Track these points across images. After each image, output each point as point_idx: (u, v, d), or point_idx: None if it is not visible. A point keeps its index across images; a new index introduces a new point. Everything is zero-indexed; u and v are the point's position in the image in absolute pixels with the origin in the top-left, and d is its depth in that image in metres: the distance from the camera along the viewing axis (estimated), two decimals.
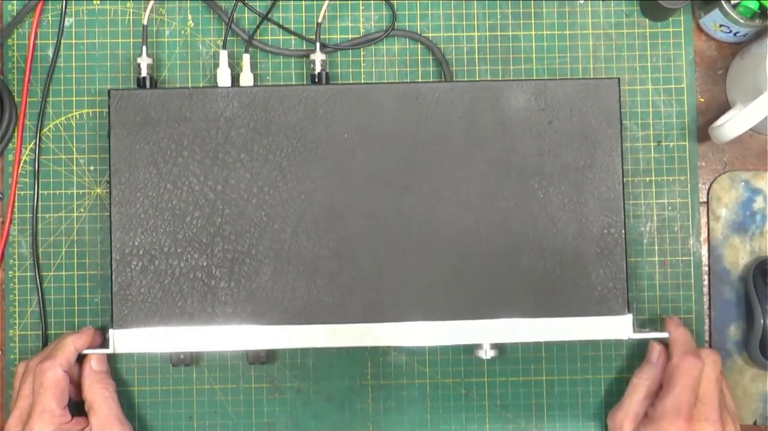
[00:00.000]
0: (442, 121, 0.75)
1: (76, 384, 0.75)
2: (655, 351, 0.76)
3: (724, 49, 0.83)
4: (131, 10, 0.82)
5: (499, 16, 0.82)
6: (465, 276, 0.74)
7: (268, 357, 0.78)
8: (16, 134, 0.81)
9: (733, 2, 0.78)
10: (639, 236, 0.81)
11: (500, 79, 0.82)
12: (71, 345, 0.74)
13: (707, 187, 0.82)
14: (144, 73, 0.78)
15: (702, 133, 0.82)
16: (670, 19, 0.82)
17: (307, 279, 0.74)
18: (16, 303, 0.80)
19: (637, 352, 0.80)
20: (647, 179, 0.81)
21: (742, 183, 0.82)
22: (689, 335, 0.75)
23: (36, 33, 0.81)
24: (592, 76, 0.82)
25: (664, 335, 0.75)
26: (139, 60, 0.78)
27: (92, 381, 0.74)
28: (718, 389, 0.73)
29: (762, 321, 0.78)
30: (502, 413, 0.81)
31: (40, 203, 0.80)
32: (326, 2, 0.80)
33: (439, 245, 0.75)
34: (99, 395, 0.74)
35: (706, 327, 0.81)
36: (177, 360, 0.77)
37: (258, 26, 0.81)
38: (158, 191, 0.75)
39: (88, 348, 0.75)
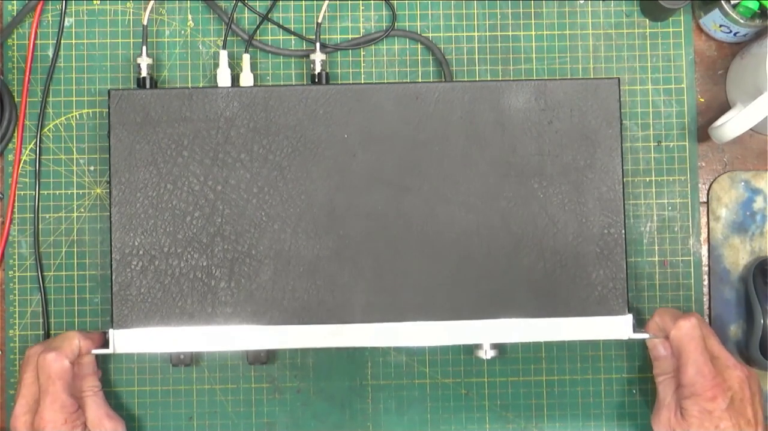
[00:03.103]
0: (442, 121, 0.75)
1: None
2: (658, 345, 0.75)
3: (724, 49, 0.83)
4: (131, 10, 0.82)
5: (499, 16, 0.82)
6: (465, 276, 0.74)
7: (268, 357, 0.78)
8: (16, 134, 0.81)
9: (733, 2, 0.78)
10: (639, 236, 0.81)
11: (500, 79, 0.82)
12: (76, 339, 0.74)
13: (707, 187, 0.82)
14: (144, 73, 0.78)
15: (702, 133, 0.82)
16: (670, 19, 0.82)
17: (307, 279, 0.74)
18: (16, 303, 0.80)
19: (637, 352, 0.80)
20: (647, 179, 0.81)
21: (742, 183, 0.82)
22: (667, 309, 0.75)
23: (36, 33, 0.81)
24: (592, 76, 0.82)
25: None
26: (139, 60, 0.78)
27: (78, 383, 0.74)
28: (718, 340, 0.73)
29: (762, 321, 0.78)
30: (502, 413, 0.81)
31: (40, 203, 0.80)
32: (326, 2, 0.80)
33: (439, 245, 0.75)
34: (85, 395, 0.74)
35: None
36: (177, 360, 0.77)
37: (258, 26, 0.81)
38: (158, 191, 0.75)
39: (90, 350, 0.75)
